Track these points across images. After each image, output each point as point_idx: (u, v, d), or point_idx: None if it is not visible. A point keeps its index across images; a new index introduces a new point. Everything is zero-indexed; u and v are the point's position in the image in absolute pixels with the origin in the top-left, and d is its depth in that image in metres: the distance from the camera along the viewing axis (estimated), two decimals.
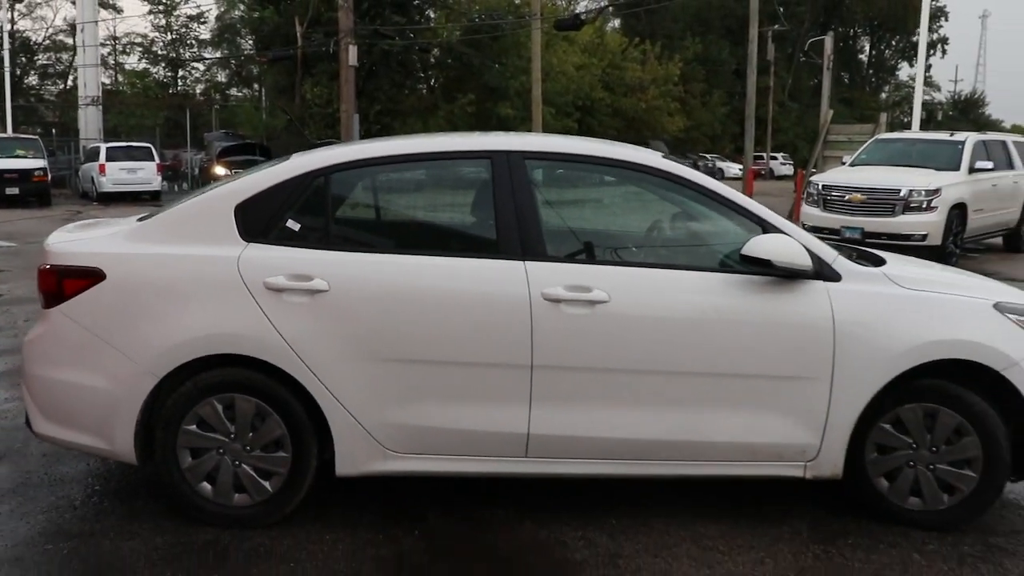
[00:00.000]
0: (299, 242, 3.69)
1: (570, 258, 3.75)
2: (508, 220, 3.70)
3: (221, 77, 61.24)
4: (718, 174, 44.15)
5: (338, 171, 3.85)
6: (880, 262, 4.06)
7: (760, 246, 3.58)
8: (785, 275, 3.62)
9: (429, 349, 3.63)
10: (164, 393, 3.62)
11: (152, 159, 26.16)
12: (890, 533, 3.74)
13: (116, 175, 24.93)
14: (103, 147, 26.24)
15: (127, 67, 59.20)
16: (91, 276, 3.64)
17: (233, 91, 60.89)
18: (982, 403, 3.67)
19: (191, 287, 3.62)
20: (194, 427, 3.62)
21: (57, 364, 3.70)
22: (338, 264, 3.63)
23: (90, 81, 32.27)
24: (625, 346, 3.61)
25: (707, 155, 48.62)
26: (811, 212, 13.30)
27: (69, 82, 56.04)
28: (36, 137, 26.83)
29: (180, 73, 59.42)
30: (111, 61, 55.91)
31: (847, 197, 12.78)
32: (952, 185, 12.49)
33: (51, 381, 3.72)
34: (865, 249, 4.64)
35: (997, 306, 3.75)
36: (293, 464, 3.65)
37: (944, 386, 3.70)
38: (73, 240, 3.91)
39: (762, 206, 3.80)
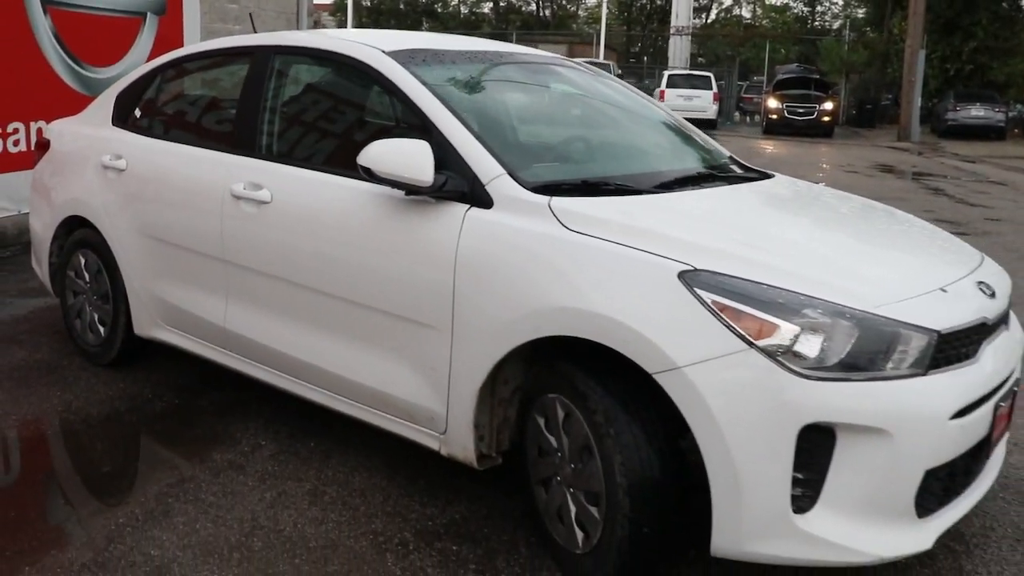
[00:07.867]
0: (132, 128, 4.25)
1: (254, 154, 3.57)
2: (245, 116, 3.69)
3: (859, 12, 58.87)
4: None
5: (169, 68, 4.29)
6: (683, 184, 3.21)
7: (370, 151, 2.88)
8: (407, 191, 2.93)
9: (168, 231, 3.88)
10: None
11: (710, 88, 27.26)
12: None
13: (673, 101, 26.57)
14: (667, 74, 28.15)
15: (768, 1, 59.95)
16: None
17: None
18: (612, 410, 2.49)
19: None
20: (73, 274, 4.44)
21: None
22: (136, 147, 4.09)
23: (682, 12, 34.15)
24: (282, 253, 3.37)
25: None
26: None
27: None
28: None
29: (818, 8, 58.62)
30: None
31: None
32: None
33: None
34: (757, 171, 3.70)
35: (686, 276, 2.42)
36: (114, 316, 4.22)
37: (573, 376, 2.60)
38: None
39: (440, 104, 3.02)
